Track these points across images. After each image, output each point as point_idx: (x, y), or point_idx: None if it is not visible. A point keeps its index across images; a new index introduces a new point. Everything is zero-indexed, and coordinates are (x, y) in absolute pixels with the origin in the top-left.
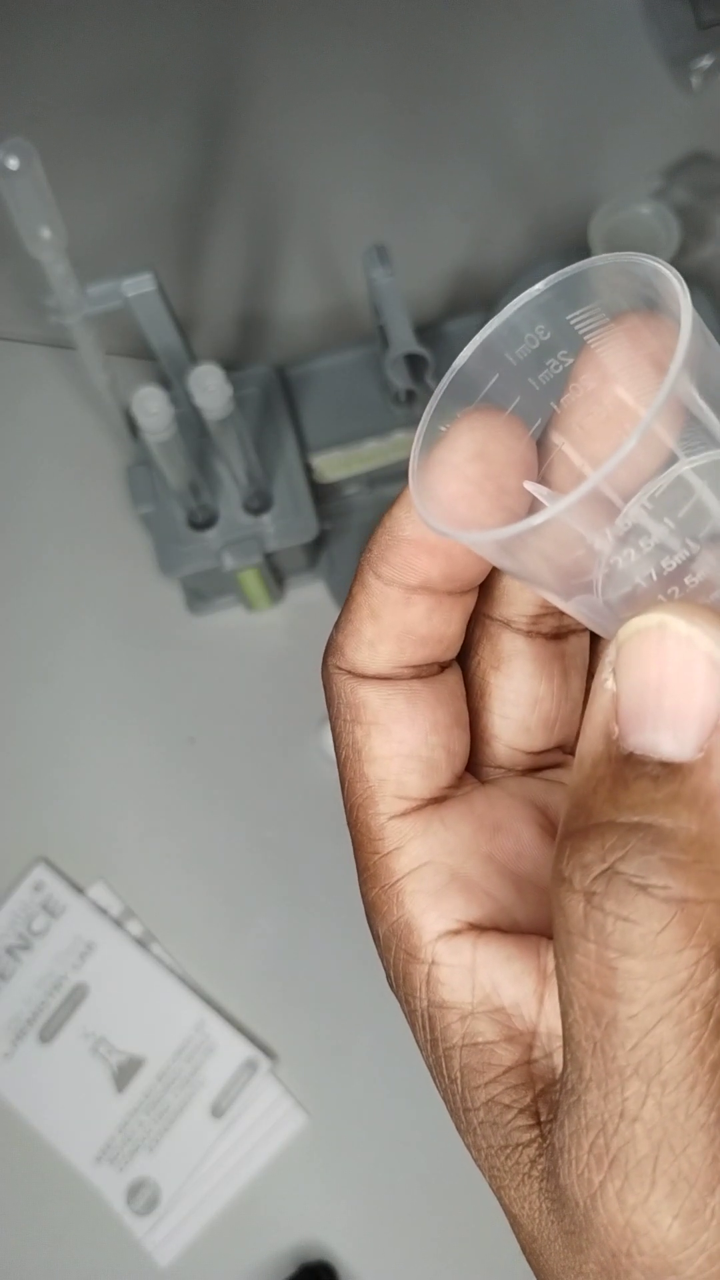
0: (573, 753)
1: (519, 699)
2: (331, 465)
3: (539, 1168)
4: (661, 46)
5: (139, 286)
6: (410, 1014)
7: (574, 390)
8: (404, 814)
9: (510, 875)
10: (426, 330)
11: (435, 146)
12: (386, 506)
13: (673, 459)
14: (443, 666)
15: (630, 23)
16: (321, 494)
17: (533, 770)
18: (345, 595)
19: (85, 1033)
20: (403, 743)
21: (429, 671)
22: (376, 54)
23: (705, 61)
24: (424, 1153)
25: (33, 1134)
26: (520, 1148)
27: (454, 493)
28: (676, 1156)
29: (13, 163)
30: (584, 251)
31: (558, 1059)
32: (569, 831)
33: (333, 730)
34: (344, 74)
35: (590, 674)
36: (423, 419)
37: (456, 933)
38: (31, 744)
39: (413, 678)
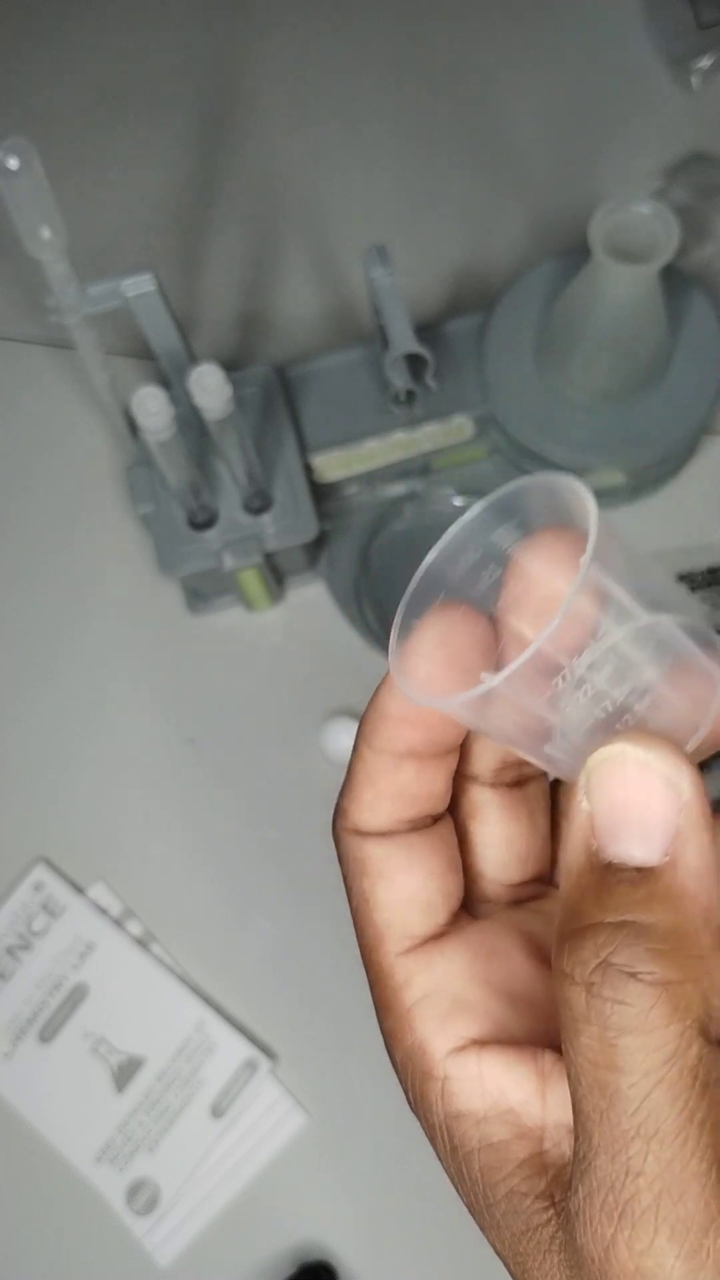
0: (548, 883)
1: (493, 840)
2: (331, 465)
3: (558, 1241)
4: (662, 46)
5: (139, 286)
6: (430, 1129)
7: (506, 593)
8: (409, 951)
9: (505, 995)
10: (426, 330)
11: (435, 146)
12: (376, 686)
13: (601, 628)
14: (436, 818)
15: (630, 23)
16: (321, 494)
17: (517, 903)
18: (345, 595)
19: (85, 1033)
20: (404, 889)
21: (424, 824)
22: (376, 54)
23: (705, 61)
24: (424, 1152)
25: (33, 1134)
26: (540, 1228)
27: (425, 674)
28: (675, 1203)
29: (13, 162)
30: (584, 251)
31: (566, 1147)
32: (565, 933)
33: (345, 882)
34: (344, 74)
35: (550, 812)
36: (397, 615)
37: (462, 1049)
38: (31, 744)
39: (409, 830)
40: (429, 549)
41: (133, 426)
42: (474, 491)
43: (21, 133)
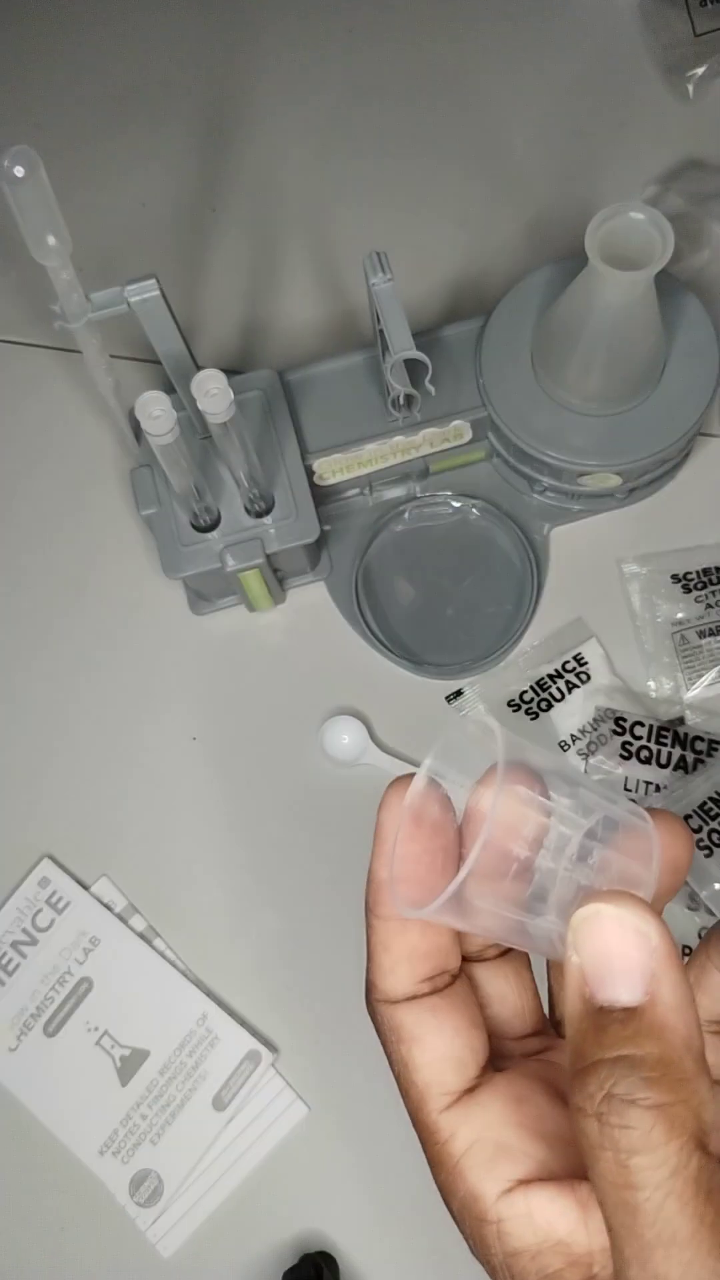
0: (549, 1035)
1: (491, 1000)
2: (332, 468)
3: None
4: (658, 55)
5: (142, 292)
6: (492, 1271)
7: (464, 831)
8: (449, 1107)
9: (539, 1136)
10: (425, 335)
11: (434, 155)
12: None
13: (547, 828)
14: (453, 977)
15: (627, 32)
16: (322, 496)
17: (527, 1056)
18: (345, 596)
19: (90, 1026)
20: (436, 1049)
21: (443, 983)
22: (376, 64)
23: (700, 70)
24: None
25: (38, 1126)
26: None
27: (401, 874)
28: None
29: (18, 171)
30: (580, 257)
31: (611, 1267)
32: (574, 1072)
33: (385, 1050)
34: (345, 85)
35: (527, 968)
36: (392, 834)
37: (510, 1191)
38: (37, 742)
39: (431, 993)
40: (427, 551)
41: (137, 430)
42: (471, 494)
43: (27, 141)
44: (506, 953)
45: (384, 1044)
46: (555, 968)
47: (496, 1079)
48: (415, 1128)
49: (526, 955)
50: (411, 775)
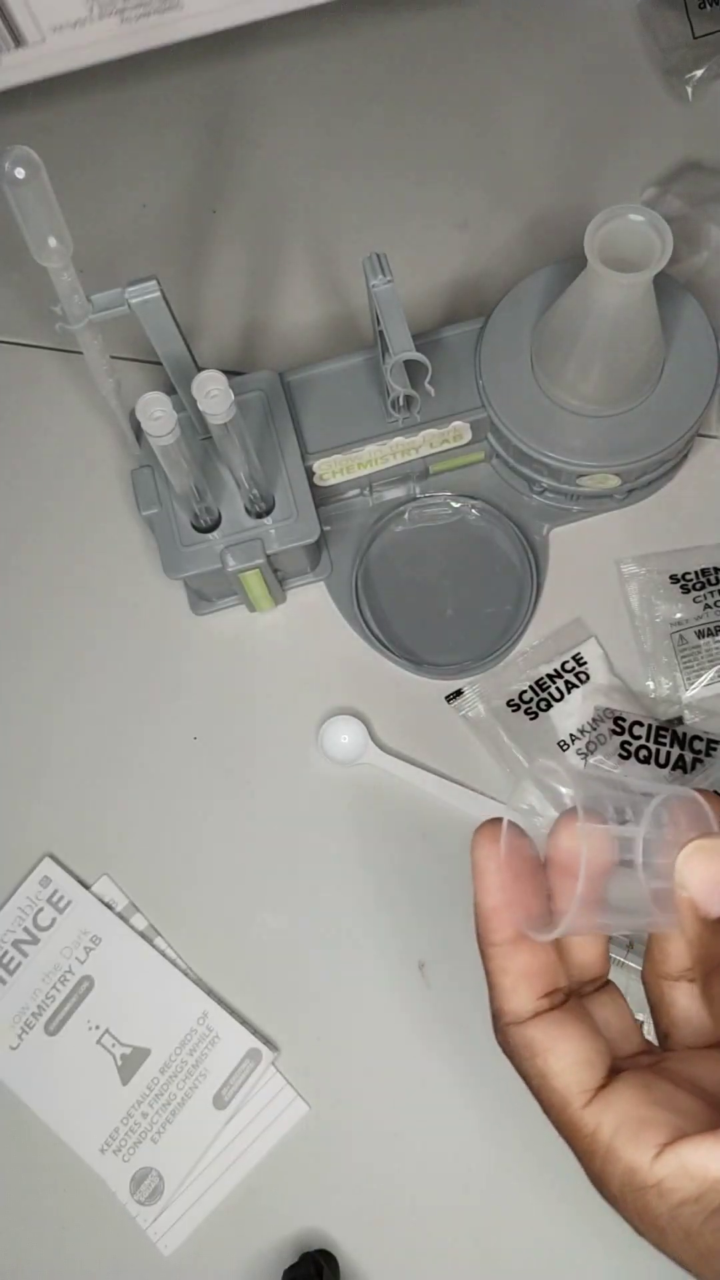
0: (653, 1054)
1: (601, 1023)
2: (332, 469)
3: None
4: (657, 58)
5: (143, 294)
6: (659, 1233)
7: (550, 867)
8: (588, 1103)
9: (671, 1108)
10: (425, 336)
11: (434, 157)
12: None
13: (625, 835)
14: (566, 996)
15: (627, 34)
16: (322, 496)
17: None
18: (345, 596)
19: (91, 1025)
20: (569, 1055)
21: (559, 999)
22: (376, 67)
23: (699, 72)
24: (423, 1142)
25: (39, 1124)
26: None
27: (508, 900)
28: None
29: (20, 173)
30: (579, 259)
31: None
32: (706, 973)
33: (519, 1070)
34: (344, 87)
35: (621, 996)
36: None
37: (659, 1154)
38: (37, 742)
39: (551, 1009)
40: (427, 551)
41: (138, 430)
42: (471, 495)
43: (28, 143)
44: (603, 986)
45: (518, 1064)
46: (652, 982)
47: (623, 1074)
48: (560, 1129)
49: (618, 989)
50: (495, 819)
